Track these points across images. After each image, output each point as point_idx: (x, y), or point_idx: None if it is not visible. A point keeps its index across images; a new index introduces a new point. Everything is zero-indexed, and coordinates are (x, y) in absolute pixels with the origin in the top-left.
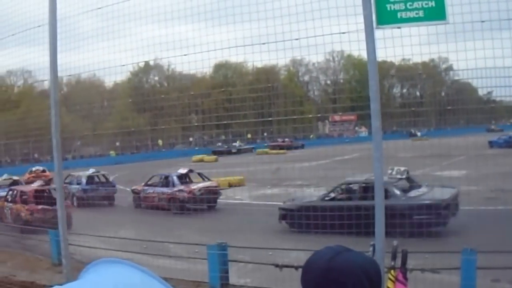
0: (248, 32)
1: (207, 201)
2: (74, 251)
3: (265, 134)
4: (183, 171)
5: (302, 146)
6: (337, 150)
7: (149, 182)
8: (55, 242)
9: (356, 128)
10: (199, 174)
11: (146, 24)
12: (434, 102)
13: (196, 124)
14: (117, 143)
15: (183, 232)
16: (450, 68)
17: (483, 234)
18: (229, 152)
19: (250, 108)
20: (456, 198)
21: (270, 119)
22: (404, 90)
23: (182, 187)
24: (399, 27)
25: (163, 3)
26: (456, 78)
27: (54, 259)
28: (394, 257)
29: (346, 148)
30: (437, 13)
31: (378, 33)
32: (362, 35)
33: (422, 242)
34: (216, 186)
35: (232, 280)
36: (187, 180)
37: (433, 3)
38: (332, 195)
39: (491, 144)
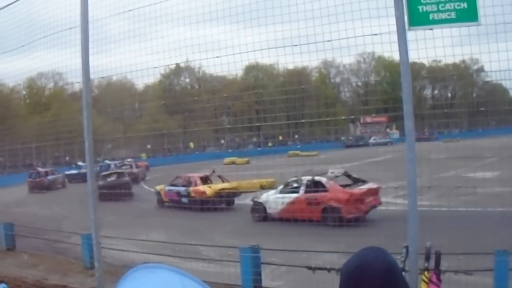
0: (280, 34)
1: None
2: (105, 254)
3: (296, 136)
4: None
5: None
6: (370, 152)
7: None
8: (87, 246)
9: (387, 129)
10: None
11: (178, 26)
12: (466, 104)
13: (228, 126)
14: (148, 146)
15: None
16: (481, 69)
17: None
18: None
19: (281, 110)
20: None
21: (302, 121)
22: (435, 92)
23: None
24: (431, 29)
25: (194, 5)
26: (488, 79)
27: (86, 262)
28: (427, 259)
29: (378, 150)
30: (469, 15)
31: (410, 35)
32: (394, 37)
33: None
34: None
35: (265, 283)
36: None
37: (465, 5)
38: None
39: None
